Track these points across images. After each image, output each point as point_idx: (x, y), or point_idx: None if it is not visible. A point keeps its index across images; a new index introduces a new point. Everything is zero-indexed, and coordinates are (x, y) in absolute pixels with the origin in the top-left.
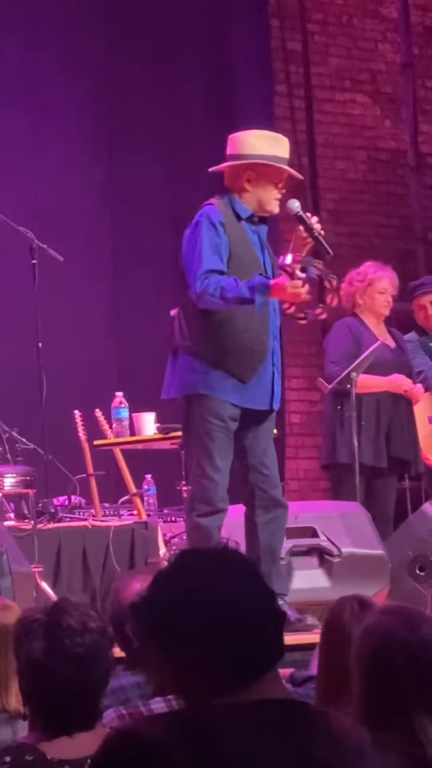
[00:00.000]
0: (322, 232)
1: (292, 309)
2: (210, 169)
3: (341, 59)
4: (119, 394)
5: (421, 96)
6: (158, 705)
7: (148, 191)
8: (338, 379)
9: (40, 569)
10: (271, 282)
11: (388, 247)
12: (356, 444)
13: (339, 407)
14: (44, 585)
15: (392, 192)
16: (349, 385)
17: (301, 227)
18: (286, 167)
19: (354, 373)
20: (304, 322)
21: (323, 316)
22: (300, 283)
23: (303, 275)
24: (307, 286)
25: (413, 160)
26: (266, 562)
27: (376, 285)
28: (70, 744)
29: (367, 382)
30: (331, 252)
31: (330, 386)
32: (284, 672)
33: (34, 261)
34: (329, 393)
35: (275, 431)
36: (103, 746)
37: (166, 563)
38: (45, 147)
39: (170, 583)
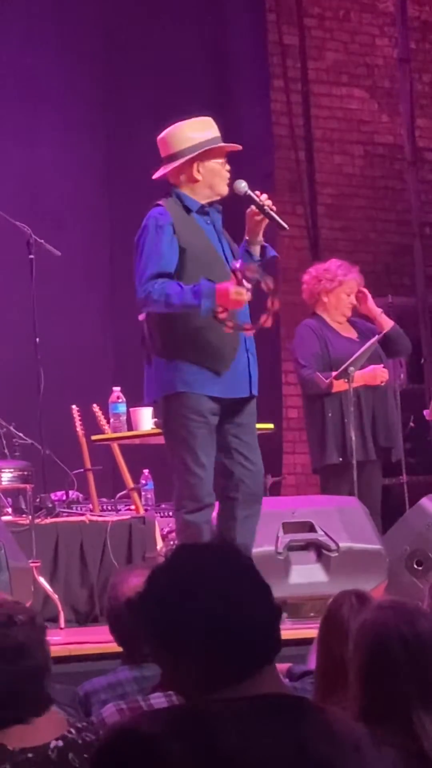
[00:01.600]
0: (274, 208)
1: (225, 314)
2: (154, 177)
3: (338, 54)
4: (117, 389)
5: (419, 90)
6: (158, 700)
7: (146, 186)
8: (336, 373)
9: (38, 564)
10: (217, 286)
11: (385, 242)
12: (353, 439)
13: (320, 407)
14: (42, 580)
15: (389, 186)
16: (346, 380)
17: (252, 206)
18: (227, 144)
19: (352, 368)
20: (230, 331)
21: (268, 324)
22: (244, 289)
23: (249, 285)
24: (249, 294)
25: (410, 155)
26: None
27: (345, 287)
28: (30, 732)
29: (340, 382)
30: (285, 226)
31: (327, 381)
32: (282, 666)
33: (32, 256)
34: (325, 389)
35: (271, 426)
36: (103, 742)
37: (163, 558)
38: (42, 141)
39: (167, 578)
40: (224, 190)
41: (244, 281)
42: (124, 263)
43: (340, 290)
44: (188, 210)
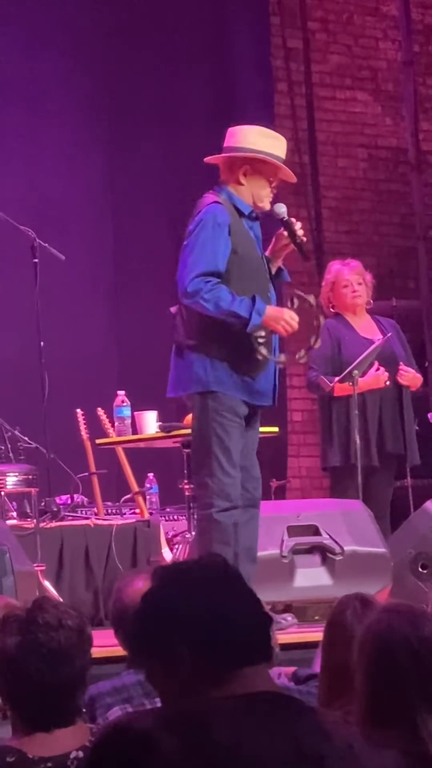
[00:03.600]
0: (305, 239)
1: (265, 339)
2: (206, 159)
3: (342, 57)
4: (121, 392)
5: (422, 93)
6: None
7: (149, 190)
8: (340, 376)
9: (43, 568)
10: (269, 308)
11: (389, 245)
12: (357, 442)
13: (329, 410)
14: (47, 584)
15: (393, 190)
16: (351, 383)
17: (285, 232)
18: (283, 166)
19: (356, 371)
20: (260, 357)
21: (304, 360)
22: (296, 319)
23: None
24: (297, 327)
25: (414, 158)
26: (244, 561)
27: (338, 281)
28: (51, 741)
29: (344, 386)
30: (310, 258)
31: (332, 384)
32: (287, 670)
33: (36, 260)
34: (320, 395)
35: (276, 429)
36: (97, 739)
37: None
38: (46, 145)
39: (158, 603)
40: (266, 206)
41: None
42: (128, 267)
43: (336, 287)
44: (240, 213)
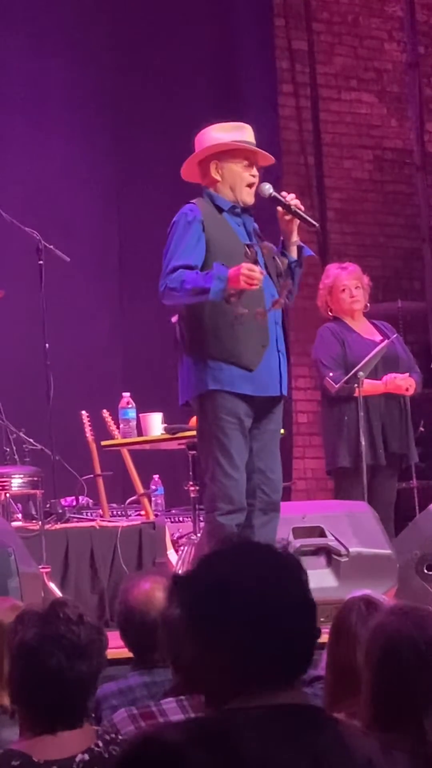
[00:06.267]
0: (301, 207)
1: (236, 298)
2: (183, 177)
3: (347, 58)
4: (126, 394)
5: (428, 95)
6: (169, 705)
7: (153, 192)
8: (346, 378)
9: (48, 570)
10: (230, 270)
11: (394, 246)
12: (363, 444)
13: (338, 411)
14: (52, 585)
15: (398, 191)
16: (356, 385)
17: (279, 208)
18: (252, 147)
19: (361, 373)
20: (241, 314)
21: (279, 306)
22: (257, 269)
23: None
24: (261, 277)
25: (419, 159)
26: None
27: (336, 285)
28: (57, 744)
29: (365, 387)
30: (316, 224)
31: (337, 386)
32: None
33: (41, 262)
34: (335, 393)
35: (282, 431)
36: (126, 750)
37: (175, 564)
38: (50, 147)
39: (217, 566)
40: (246, 198)
41: (258, 265)
42: (133, 269)
43: (334, 291)
44: (220, 209)
